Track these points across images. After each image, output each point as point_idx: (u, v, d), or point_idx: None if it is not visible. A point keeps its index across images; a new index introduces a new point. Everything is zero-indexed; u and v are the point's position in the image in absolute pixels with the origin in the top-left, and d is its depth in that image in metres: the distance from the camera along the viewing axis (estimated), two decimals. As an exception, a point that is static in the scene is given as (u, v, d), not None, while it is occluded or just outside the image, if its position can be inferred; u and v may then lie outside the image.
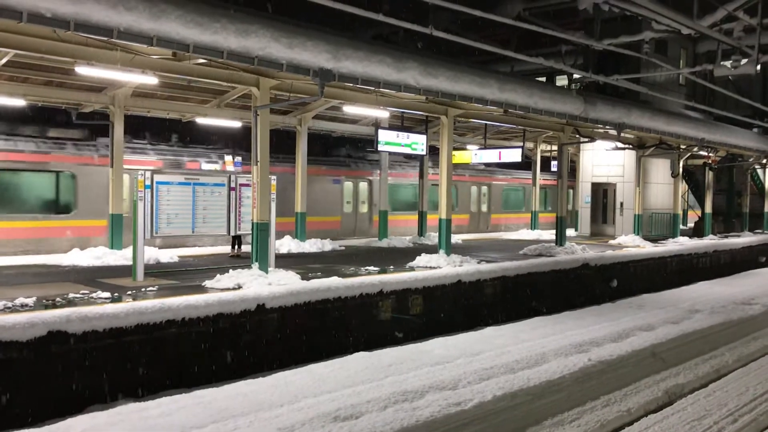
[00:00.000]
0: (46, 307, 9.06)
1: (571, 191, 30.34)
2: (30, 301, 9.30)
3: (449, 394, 7.61)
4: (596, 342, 10.64)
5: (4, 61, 12.16)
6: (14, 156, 16.56)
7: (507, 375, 8.54)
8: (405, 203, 26.16)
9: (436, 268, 14.51)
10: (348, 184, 24.49)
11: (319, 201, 22.63)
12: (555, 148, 27.22)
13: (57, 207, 17.42)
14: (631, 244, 22.83)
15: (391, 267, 14.67)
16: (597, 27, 16.53)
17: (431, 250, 16.63)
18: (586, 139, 21.38)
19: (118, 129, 15.50)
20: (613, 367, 9.40)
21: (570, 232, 26.10)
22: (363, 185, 24.95)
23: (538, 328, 12.31)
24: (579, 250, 19.20)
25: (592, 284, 17.99)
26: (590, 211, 27.76)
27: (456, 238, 22.17)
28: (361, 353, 9.98)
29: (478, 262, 15.56)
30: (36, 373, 8.05)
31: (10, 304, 9.02)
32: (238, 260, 15.13)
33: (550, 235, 24.61)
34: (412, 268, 14.54)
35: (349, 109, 16.78)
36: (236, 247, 16.54)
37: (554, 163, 29.16)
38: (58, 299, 9.70)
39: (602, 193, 27.69)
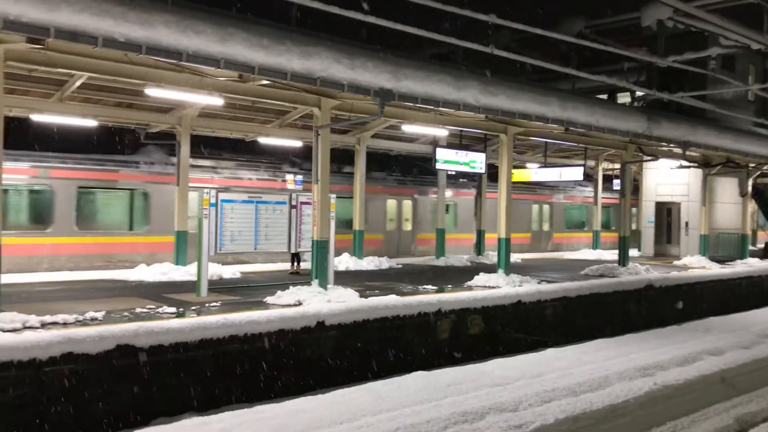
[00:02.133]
0: (115, 321, 9.35)
1: (633, 210, 29.66)
2: (99, 315, 9.62)
3: (510, 416, 7.50)
4: (661, 366, 10.32)
5: (78, 83, 12.73)
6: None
7: (569, 398, 8.36)
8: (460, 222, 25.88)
9: (495, 287, 14.38)
10: (391, 202, 24.14)
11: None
12: (617, 166, 26.69)
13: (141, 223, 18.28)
14: (696, 265, 22.13)
15: (449, 286, 14.60)
16: (661, 44, 16.26)
17: (489, 269, 16.49)
18: (650, 158, 20.91)
19: (185, 148, 15.97)
20: (680, 392, 9.09)
21: (633, 252, 25.49)
22: (407, 203, 24.64)
23: (601, 351, 12.02)
24: (642, 271, 18.73)
25: (656, 306, 17.50)
26: (654, 231, 27.07)
27: (515, 258, 21.92)
28: (420, 372, 9.94)
29: (539, 282, 15.35)
30: (104, 386, 8.30)
31: (80, 318, 9.34)
32: (298, 277, 15.31)
33: (611, 255, 24.08)
34: (470, 288, 14.44)
35: (408, 128, 16.87)
36: (296, 263, 16.76)
37: (616, 182, 28.57)
38: (125, 313, 10.01)
39: (666, 213, 26.98)
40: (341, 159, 23.58)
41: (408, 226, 24.61)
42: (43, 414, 7.80)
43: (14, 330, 8.40)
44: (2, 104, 9.37)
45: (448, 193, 24.40)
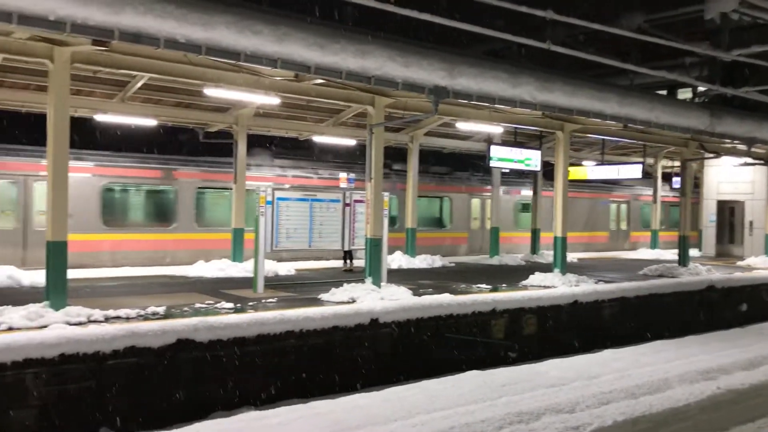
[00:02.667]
0: (175, 316, 9.59)
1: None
2: (160, 309, 9.87)
3: (566, 417, 7.41)
4: (724, 369, 10.04)
5: (140, 84, 13.08)
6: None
7: (627, 400, 8.22)
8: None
9: (550, 287, 14.18)
10: (475, 201, 24.75)
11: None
12: (677, 163, 26.00)
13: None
14: (761, 266, 21.38)
15: (504, 285, 14.47)
16: (725, 37, 15.73)
17: (545, 268, 16.27)
18: (712, 155, 20.32)
19: (241, 147, 16.24)
20: (744, 397, 8.83)
21: (693, 252, 24.79)
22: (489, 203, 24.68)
23: (660, 352, 11.78)
24: (704, 271, 18.23)
25: (718, 308, 16.98)
26: (715, 231, 26.27)
27: (571, 257, 21.56)
28: (474, 372, 9.91)
29: (595, 282, 15.08)
30: (165, 379, 8.51)
31: (142, 313, 9.61)
32: (351, 274, 15.41)
33: (671, 254, 23.47)
34: (525, 287, 14.28)
35: (462, 125, 16.77)
36: (348, 261, 16.88)
37: (676, 180, 27.84)
38: (185, 308, 10.25)
39: (729, 212, 26.16)
40: (425, 159, 24.22)
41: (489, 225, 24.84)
42: (105, 406, 8.05)
43: (80, 323, 8.70)
44: (68, 105, 9.68)
45: (526, 192, 24.92)
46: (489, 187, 24.11)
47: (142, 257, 17.21)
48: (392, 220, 22.23)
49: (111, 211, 17.58)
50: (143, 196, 18.37)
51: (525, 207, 25.63)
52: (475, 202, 24.91)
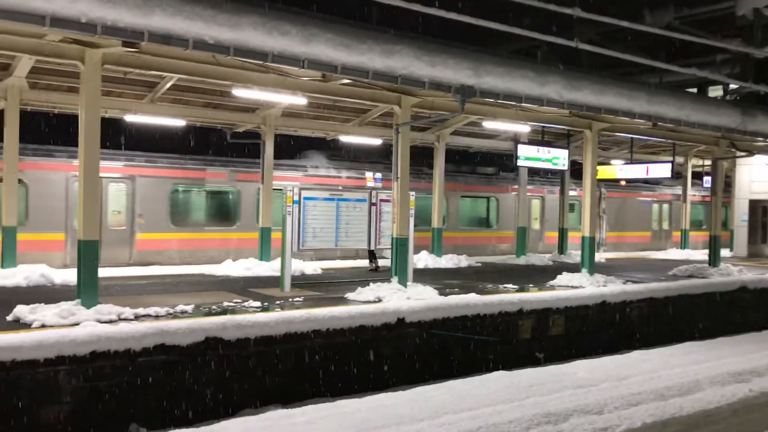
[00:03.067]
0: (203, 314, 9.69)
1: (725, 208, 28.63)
2: (189, 308, 9.98)
3: (595, 419, 7.33)
4: (757, 372, 9.86)
5: (168, 85, 13.24)
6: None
7: (657, 402, 8.11)
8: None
9: (578, 287, 14.06)
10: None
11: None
12: (708, 162, 25.62)
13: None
14: (795, 267, 20.98)
15: (531, 285, 14.38)
16: (757, 33, 15.45)
17: (572, 268, 16.13)
18: (744, 154, 19.98)
19: (269, 147, 16.36)
20: (778, 401, 8.66)
21: (724, 252, 24.41)
22: (535, 202, 25.33)
23: (690, 354, 11.61)
24: (735, 272, 17.93)
25: (750, 309, 16.70)
26: (747, 231, 25.82)
27: (598, 257, 21.38)
28: (501, 372, 9.86)
29: (624, 283, 14.92)
30: (194, 377, 8.61)
31: (171, 311, 9.72)
32: (377, 274, 15.42)
33: (701, 255, 23.14)
34: (552, 287, 14.18)
35: (489, 124, 16.71)
36: (373, 260, 16.92)
37: (706, 179, 27.44)
38: (213, 307, 10.35)
39: (761, 211, 25.69)
40: (470, 160, 25.02)
41: (536, 225, 25.31)
42: (134, 403, 8.16)
43: (110, 321, 8.83)
44: (99, 105, 9.83)
45: (572, 192, 24.97)
46: (533, 187, 24.83)
47: (207, 255, 17.75)
48: (442, 220, 22.80)
49: (179, 211, 18.36)
50: (209, 197, 19.05)
51: (570, 207, 25.48)
52: (533, 202, 25.24)
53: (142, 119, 15.13)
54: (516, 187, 23.92)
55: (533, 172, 24.05)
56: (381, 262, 16.72)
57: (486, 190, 24.20)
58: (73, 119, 12.88)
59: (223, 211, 19.28)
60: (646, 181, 24.86)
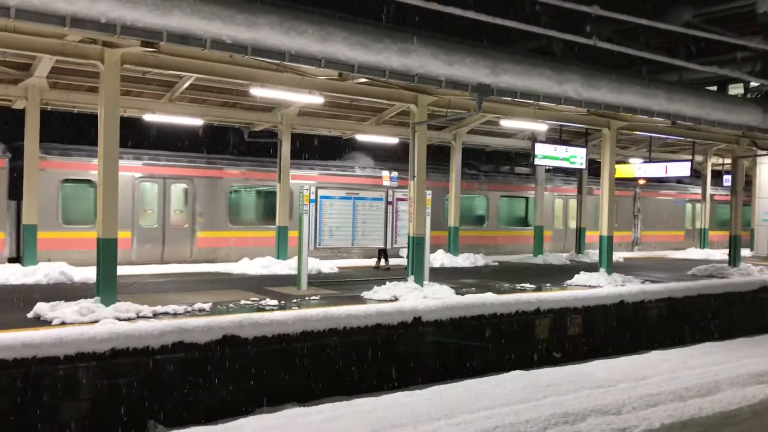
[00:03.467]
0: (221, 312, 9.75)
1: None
2: (206, 306, 10.04)
3: (613, 419, 7.29)
4: (778, 373, 9.74)
5: (186, 84, 13.32)
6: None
7: (676, 402, 8.05)
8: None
9: (596, 287, 13.98)
10: (558, 201, 25.75)
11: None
12: (728, 161, 25.35)
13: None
14: (817, 267, 20.68)
15: (548, 285, 14.31)
16: (779, 31, 15.24)
17: (590, 268, 16.03)
18: (765, 152, 19.73)
19: (286, 146, 16.42)
20: (799, 402, 8.55)
21: (745, 252, 24.15)
22: (572, 202, 25.67)
23: (709, 354, 11.51)
24: (756, 272, 17.73)
25: (771, 309, 16.51)
26: (768, 230, 25.53)
27: (617, 257, 21.23)
28: (518, 371, 9.83)
29: (642, 282, 14.80)
30: (211, 374, 8.66)
31: (189, 309, 9.78)
32: (390, 273, 15.40)
33: (721, 254, 22.92)
34: (570, 287, 14.10)
35: (507, 123, 16.64)
36: (382, 259, 16.97)
37: (726, 177, 27.17)
38: (231, 305, 10.40)
39: (783, 210, 25.37)
40: (506, 160, 25.72)
41: (573, 224, 25.40)
42: (153, 399, 8.22)
43: (129, 319, 8.91)
44: (118, 105, 9.91)
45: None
46: (570, 187, 25.44)
47: (261, 253, 17.82)
48: (481, 219, 23.64)
49: (236, 210, 18.98)
50: (263, 196, 19.56)
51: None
52: (559, 201, 25.59)
53: (167, 119, 15.26)
54: (552, 187, 24.88)
55: (570, 173, 24.74)
56: (393, 261, 16.80)
57: (525, 190, 24.61)
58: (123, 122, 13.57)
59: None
60: (679, 180, 25.00)
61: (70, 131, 21.66)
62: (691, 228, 29.99)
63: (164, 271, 15.15)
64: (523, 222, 24.99)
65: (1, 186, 15.40)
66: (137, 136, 19.00)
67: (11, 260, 15.22)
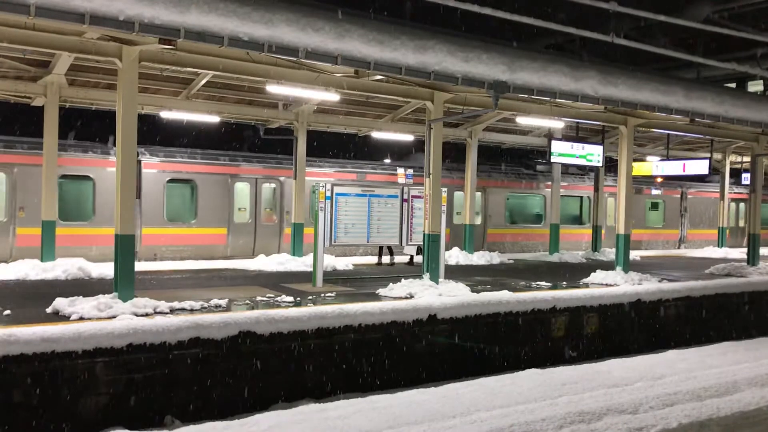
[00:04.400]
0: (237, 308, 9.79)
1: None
2: (223, 302, 10.09)
3: (629, 418, 7.25)
4: (798, 373, 9.64)
5: (203, 81, 13.39)
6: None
7: (693, 402, 7.98)
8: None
9: (612, 285, 13.89)
10: (611, 201, 26.06)
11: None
12: (747, 159, 25.09)
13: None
14: (838, 266, 20.42)
15: (564, 283, 14.24)
16: (800, 27, 15.05)
17: (606, 266, 15.94)
18: (785, 150, 19.48)
19: (301, 143, 16.46)
20: (819, 403, 8.45)
21: (764, 250, 23.89)
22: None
23: (728, 354, 11.41)
24: (775, 271, 17.54)
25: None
26: (788, 229, 25.23)
27: (634, 255, 21.10)
28: (533, 370, 9.79)
29: (659, 281, 14.70)
30: (228, 370, 8.70)
31: (206, 305, 9.83)
32: (393, 268, 15.40)
33: (739, 253, 22.70)
34: (586, 285, 14.02)
35: (523, 120, 16.57)
36: (382, 256, 17.11)
37: (745, 176, 26.90)
38: (247, 301, 10.44)
39: (803, 209, 25.11)
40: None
41: (612, 222, 26.36)
42: (170, 395, 8.28)
43: (146, 315, 8.96)
44: (136, 102, 9.97)
45: (656, 191, 27.79)
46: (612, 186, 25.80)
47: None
48: (539, 217, 24.24)
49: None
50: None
51: (654, 205, 28.13)
52: (610, 201, 26.04)
53: (187, 116, 15.35)
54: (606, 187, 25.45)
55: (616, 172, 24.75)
56: (398, 258, 17.35)
57: (579, 189, 25.79)
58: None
59: None
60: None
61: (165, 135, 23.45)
62: (734, 226, 30.11)
63: (182, 267, 15.24)
64: (578, 220, 26.24)
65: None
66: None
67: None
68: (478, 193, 23.26)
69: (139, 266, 14.60)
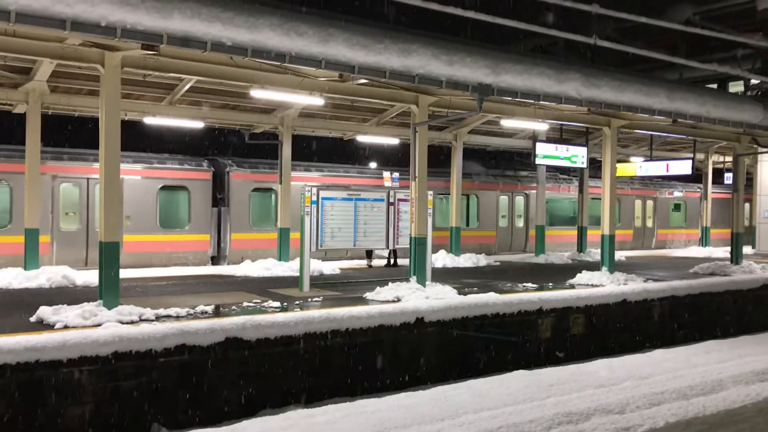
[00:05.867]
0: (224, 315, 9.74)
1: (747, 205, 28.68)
2: (209, 308, 10.04)
3: (617, 418, 7.27)
4: (782, 370, 9.72)
5: (187, 87, 13.33)
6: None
7: (680, 401, 8.03)
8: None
9: (598, 286, 13.97)
10: (638, 202, 28.20)
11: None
12: (729, 159, 25.36)
13: None
14: (820, 264, 20.66)
15: (550, 284, 14.29)
16: (779, 28, 15.24)
17: (592, 267, 16.03)
18: (766, 149, 19.71)
19: (287, 148, 16.42)
20: (803, 399, 8.53)
21: (746, 249, 24.13)
22: (650, 203, 28.68)
23: (713, 352, 11.49)
24: (758, 270, 17.70)
25: (774, 307, 16.49)
26: (771, 227, 25.53)
27: (619, 255, 21.24)
28: (521, 371, 9.81)
29: (644, 281, 14.79)
30: (214, 377, 8.65)
31: (192, 311, 9.77)
32: (396, 274, 15.39)
33: (723, 252, 22.92)
34: (572, 286, 14.09)
35: (507, 123, 16.64)
36: (371, 258, 17.31)
37: (727, 176, 27.19)
38: (233, 307, 10.39)
39: (785, 208, 25.40)
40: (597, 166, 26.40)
41: (650, 223, 28.69)
42: (156, 403, 8.22)
43: (132, 322, 8.90)
44: (119, 108, 9.91)
45: (678, 193, 29.55)
46: (648, 189, 28.40)
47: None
48: (572, 220, 25.04)
49: None
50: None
51: (676, 206, 29.96)
52: (638, 203, 28.09)
53: (171, 122, 15.24)
54: (631, 189, 27.57)
55: (647, 178, 26.76)
56: (375, 262, 17.86)
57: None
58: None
59: None
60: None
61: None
62: (748, 225, 30.41)
63: (167, 274, 15.15)
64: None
65: (206, 195, 17.55)
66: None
67: (213, 258, 18.04)
68: (520, 198, 24.74)
69: (140, 273, 14.66)
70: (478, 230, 23.47)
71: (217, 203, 18.33)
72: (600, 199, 25.56)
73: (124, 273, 14.79)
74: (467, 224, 23.09)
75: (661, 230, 28.83)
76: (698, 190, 29.59)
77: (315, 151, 23.21)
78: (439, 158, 22.80)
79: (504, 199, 24.49)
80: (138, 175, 17.24)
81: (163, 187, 17.66)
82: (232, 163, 18.91)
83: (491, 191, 23.92)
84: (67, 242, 16.42)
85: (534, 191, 24.07)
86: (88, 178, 16.73)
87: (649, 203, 28.54)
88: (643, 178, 26.42)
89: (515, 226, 24.93)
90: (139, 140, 23.11)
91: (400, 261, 17.68)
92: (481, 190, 23.50)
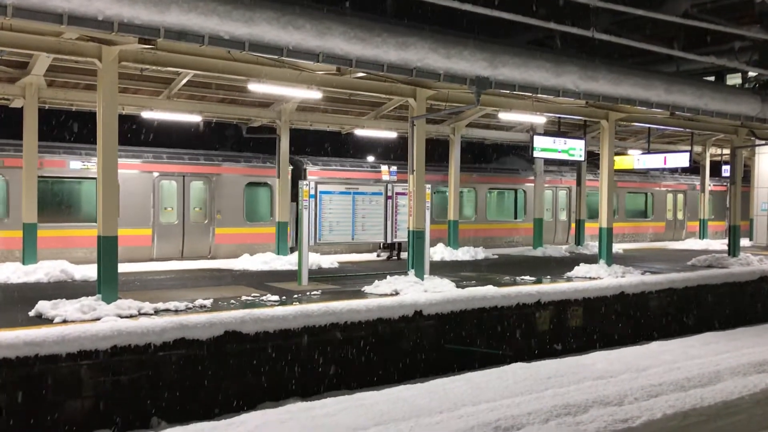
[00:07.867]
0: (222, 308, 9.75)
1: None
2: (208, 302, 10.05)
3: (614, 410, 7.31)
4: (779, 362, 9.77)
5: (184, 81, 13.31)
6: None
7: (677, 393, 8.07)
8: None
9: (596, 278, 14.00)
10: (670, 196, 29.13)
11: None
12: (726, 151, 25.38)
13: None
14: (817, 256, 20.71)
15: (548, 277, 14.32)
16: (777, 20, 15.23)
17: (590, 260, 16.06)
18: (763, 142, 19.72)
19: (284, 142, 16.41)
20: (800, 391, 8.57)
21: (744, 242, 24.18)
22: (680, 196, 29.51)
23: (710, 344, 11.53)
24: (755, 262, 17.76)
25: (771, 299, 16.56)
26: (767, 220, 25.56)
27: (616, 248, 21.27)
28: (519, 364, 9.84)
29: (642, 273, 14.82)
30: (214, 370, 8.67)
31: (191, 305, 9.79)
32: (394, 267, 15.41)
33: (720, 244, 22.96)
34: (570, 279, 14.12)
35: (505, 116, 16.61)
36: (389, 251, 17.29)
37: (725, 168, 27.21)
38: (232, 301, 10.41)
39: (783, 200, 25.49)
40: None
41: (680, 216, 29.80)
42: (155, 396, 8.24)
43: (131, 316, 8.91)
44: (116, 102, 9.89)
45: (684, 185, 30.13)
46: (678, 183, 29.46)
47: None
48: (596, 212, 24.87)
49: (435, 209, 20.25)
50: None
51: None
52: (670, 197, 29.20)
53: (168, 116, 15.22)
54: (663, 183, 28.75)
55: (674, 172, 27.86)
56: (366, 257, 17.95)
57: (644, 187, 28.23)
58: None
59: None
60: None
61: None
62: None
63: (166, 268, 15.15)
64: (643, 215, 28.58)
65: (287, 190, 17.19)
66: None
67: (291, 249, 17.45)
68: (563, 192, 25.39)
69: (139, 267, 14.67)
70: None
71: (296, 198, 18.42)
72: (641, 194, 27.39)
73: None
74: (515, 217, 24.33)
75: (691, 222, 29.47)
76: (724, 183, 29.65)
77: (312, 144, 23.20)
78: (467, 156, 23.37)
79: (549, 193, 25.04)
80: (230, 173, 18.28)
81: (249, 184, 18.65)
82: (308, 160, 19.97)
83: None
84: (167, 235, 17.26)
85: (573, 185, 24.73)
86: (184, 175, 17.51)
87: (680, 197, 29.52)
88: (672, 171, 27.38)
89: (558, 219, 25.68)
90: (134, 135, 23.08)
91: (402, 255, 17.73)
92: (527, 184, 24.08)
